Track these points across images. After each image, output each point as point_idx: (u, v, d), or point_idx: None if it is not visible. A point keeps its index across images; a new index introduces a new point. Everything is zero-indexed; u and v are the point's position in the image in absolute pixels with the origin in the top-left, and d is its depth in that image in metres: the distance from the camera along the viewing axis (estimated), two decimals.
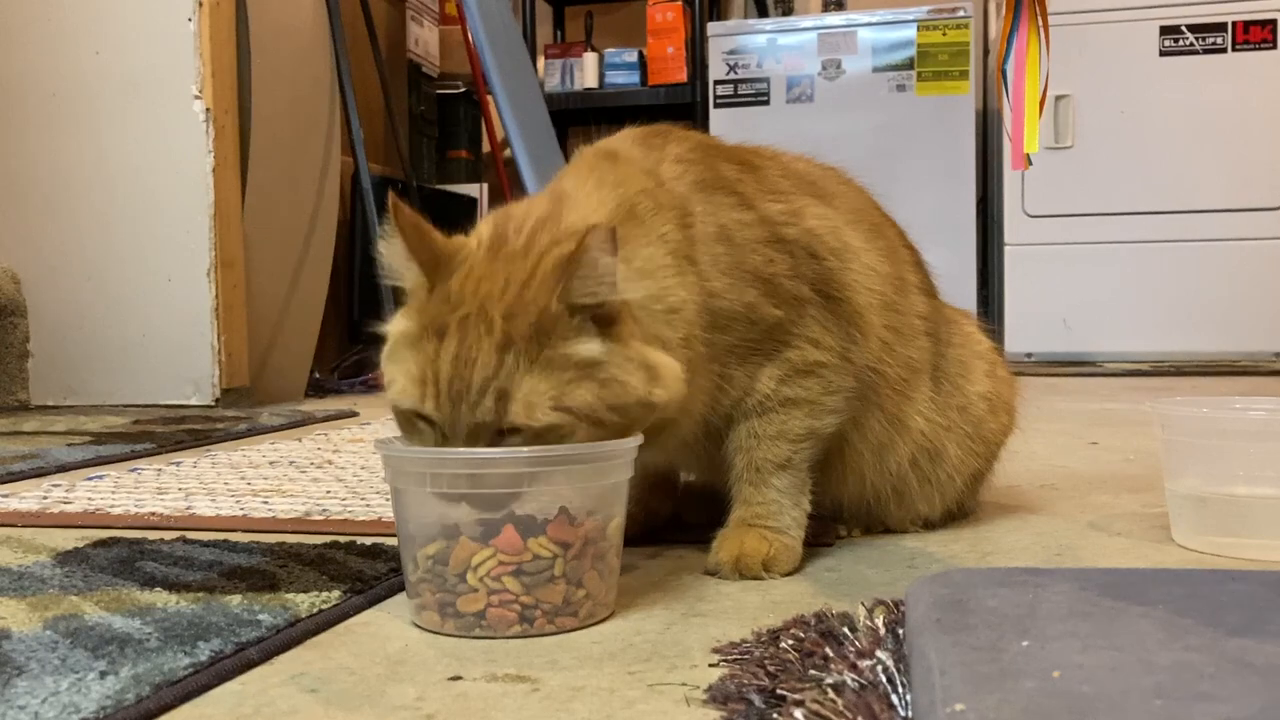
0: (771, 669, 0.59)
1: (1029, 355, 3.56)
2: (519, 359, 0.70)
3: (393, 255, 0.75)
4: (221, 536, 0.99)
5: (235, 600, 0.75)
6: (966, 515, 1.05)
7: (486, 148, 3.95)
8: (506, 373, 0.69)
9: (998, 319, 3.59)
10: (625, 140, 0.90)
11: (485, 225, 0.79)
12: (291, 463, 1.47)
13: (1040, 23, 1.43)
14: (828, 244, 0.89)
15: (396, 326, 0.75)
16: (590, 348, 0.71)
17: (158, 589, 0.79)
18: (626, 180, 0.83)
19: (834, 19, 3.78)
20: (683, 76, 3.90)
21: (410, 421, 0.74)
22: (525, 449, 0.71)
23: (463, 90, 3.92)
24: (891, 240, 0.98)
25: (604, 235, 0.70)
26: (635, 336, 0.74)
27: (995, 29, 3.59)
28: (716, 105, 3.77)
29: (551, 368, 0.70)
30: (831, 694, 0.54)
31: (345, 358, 3.17)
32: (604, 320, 0.72)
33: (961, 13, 3.60)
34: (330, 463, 1.47)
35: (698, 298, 0.81)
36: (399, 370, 0.73)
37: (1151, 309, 3.52)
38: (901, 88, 3.63)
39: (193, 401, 2.29)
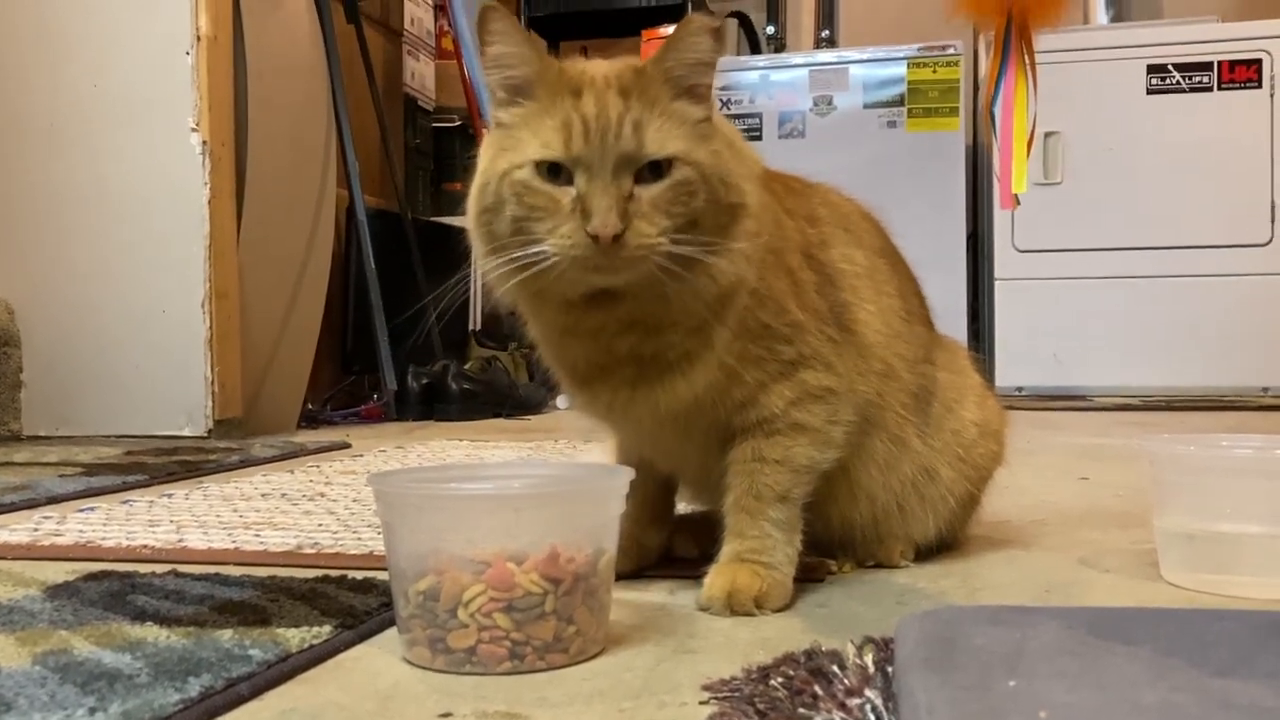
0: (761, 707, 0.59)
1: (1020, 389, 3.57)
2: (642, 102, 0.78)
3: (517, 44, 0.80)
4: (213, 570, 0.99)
5: (226, 635, 0.75)
6: (957, 545, 1.06)
7: None
8: (636, 109, 0.77)
9: (989, 353, 3.61)
10: None
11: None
12: (283, 495, 1.47)
13: (1028, 62, 1.46)
14: (848, 281, 0.93)
15: (506, 117, 0.81)
16: (696, 110, 0.80)
17: (149, 623, 0.79)
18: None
19: (825, 56, 3.83)
20: None
21: (532, 196, 0.78)
22: (517, 483, 0.72)
23: (458, 124, 3.95)
24: (903, 274, 1.03)
25: (710, 20, 0.78)
26: (728, 144, 0.82)
27: (985, 67, 3.63)
28: None
29: (671, 117, 0.78)
30: None
31: (338, 388, 3.17)
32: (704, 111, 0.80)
33: (952, 50, 3.64)
34: (322, 495, 1.47)
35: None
36: (541, 128, 0.78)
37: (1141, 344, 3.54)
38: (892, 124, 3.67)
39: (185, 432, 2.29)
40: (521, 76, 0.81)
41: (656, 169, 0.77)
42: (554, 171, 0.77)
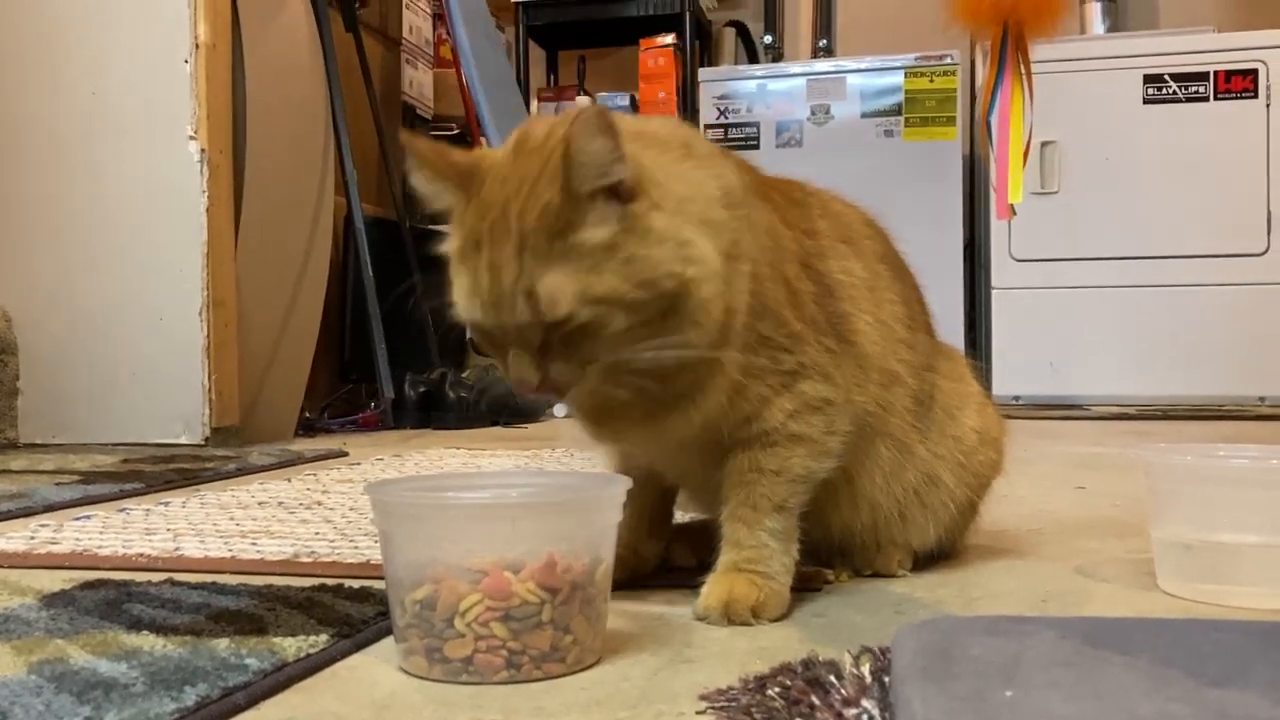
0: (758, 717, 0.60)
1: (1017, 398, 3.58)
2: (536, 257, 0.72)
3: (423, 183, 0.78)
4: (209, 578, 0.99)
5: (222, 644, 0.75)
6: (955, 554, 1.06)
7: None
8: (528, 271, 0.72)
9: (985, 362, 3.62)
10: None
11: (515, 132, 0.82)
12: (280, 503, 1.47)
13: (1024, 72, 1.46)
14: (846, 292, 0.93)
15: (448, 246, 0.79)
16: (603, 231, 0.73)
17: (145, 632, 0.79)
18: (683, 125, 0.87)
19: (823, 65, 3.84)
20: None
21: (478, 333, 0.77)
22: (514, 492, 0.72)
23: (456, 132, 3.96)
24: (907, 282, 1.02)
25: (591, 114, 0.72)
26: (664, 211, 0.76)
27: (982, 76, 3.65)
28: None
29: (569, 258, 0.73)
30: None
31: (335, 396, 3.17)
32: (623, 196, 0.74)
33: (949, 60, 3.65)
34: (319, 503, 1.46)
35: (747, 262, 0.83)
36: (457, 288, 0.77)
37: (1137, 353, 3.55)
38: (889, 133, 3.68)
39: (182, 440, 2.29)
40: (440, 207, 0.79)
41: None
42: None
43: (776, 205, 0.91)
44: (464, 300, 0.76)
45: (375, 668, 0.73)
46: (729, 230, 0.81)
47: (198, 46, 2.30)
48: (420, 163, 0.77)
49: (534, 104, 4.08)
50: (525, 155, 0.76)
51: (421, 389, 2.92)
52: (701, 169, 0.83)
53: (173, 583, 0.96)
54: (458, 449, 2.28)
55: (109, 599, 0.90)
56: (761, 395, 0.85)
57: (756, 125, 3.78)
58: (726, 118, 3.81)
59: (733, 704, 0.63)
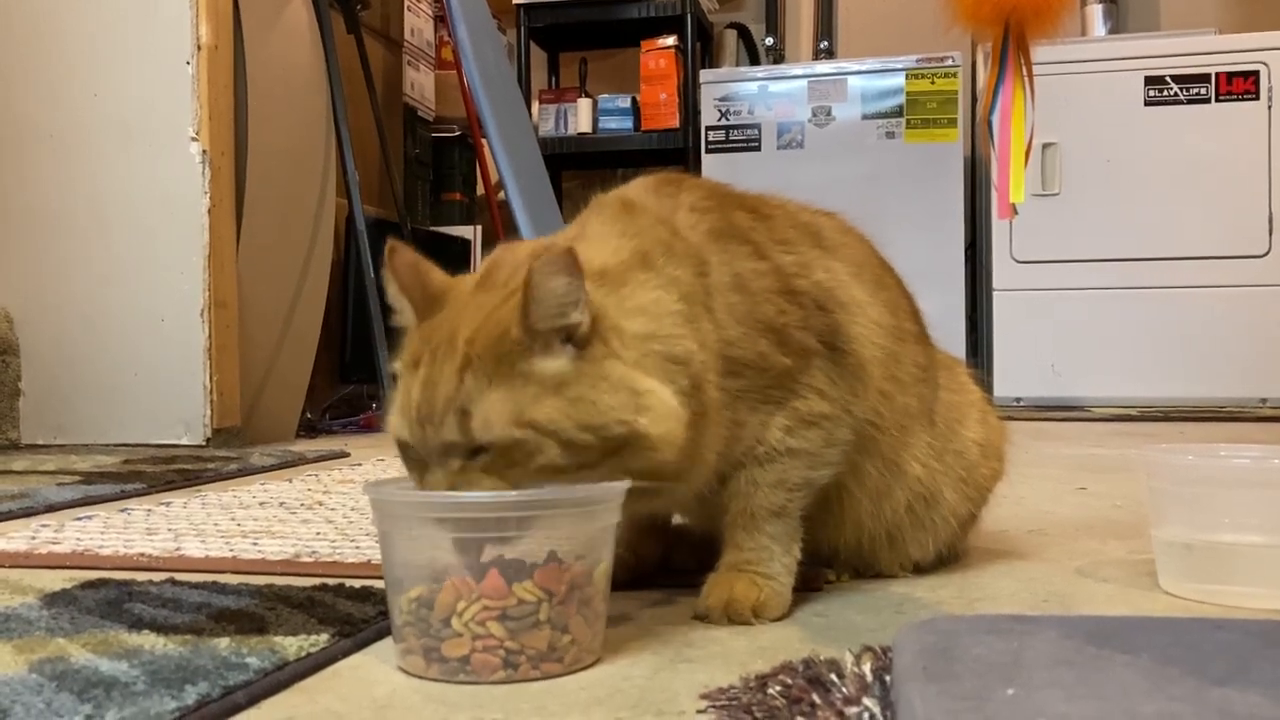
0: (759, 715, 0.59)
1: (1018, 400, 3.58)
2: (478, 378, 0.71)
3: (393, 295, 0.78)
4: (210, 578, 0.99)
5: (223, 643, 0.75)
6: (956, 559, 1.06)
7: (481, 190, 3.98)
8: (466, 391, 0.71)
9: (987, 364, 3.62)
10: (639, 189, 0.91)
11: (487, 259, 0.81)
12: (281, 504, 1.47)
13: (1026, 73, 1.46)
14: (837, 298, 0.90)
15: (396, 365, 0.77)
16: (554, 364, 0.72)
17: (145, 631, 0.79)
18: (643, 231, 0.84)
19: (824, 67, 3.84)
20: (675, 122, 3.95)
21: (404, 455, 0.76)
22: (514, 493, 0.72)
23: (458, 134, 3.96)
24: (893, 291, 0.99)
25: (555, 256, 0.70)
26: (620, 360, 0.74)
27: (983, 77, 3.65)
28: (708, 151, 3.81)
29: (513, 385, 0.71)
30: None
31: (337, 397, 3.17)
32: (579, 342, 0.73)
33: (950, 61, 3.66)
34: (320, 504, 1.46)
35: (714, 345, 0.81)
36: (392, 406, 0.76)
37: (1139, 354, 3.54)
38: (890, 135, 3.68)
39: (184, 441, 2.29)
40: (402, 323, 0.79)
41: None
42: None
43: (743, 232, 0.88)
44: (396, 418, 0.74)
45: (376, 667, 0.73)
46: (690, 340, 0.79)
47: (199, 48, 2.30)
48: (392, 276, 0.77)
49: (535, 105, 4.08)
50: (488, 289, 0.76)
51: None
52: (660, 286, 0.80)
53: (174, 582, 0.97)
54: None
55: (110, 598, 0.90)
56: (759, 425, 0.85)
57: (758, 127, 3.78)
58: (727, 119, 3.81)
59: (734, 703, 0.63)
